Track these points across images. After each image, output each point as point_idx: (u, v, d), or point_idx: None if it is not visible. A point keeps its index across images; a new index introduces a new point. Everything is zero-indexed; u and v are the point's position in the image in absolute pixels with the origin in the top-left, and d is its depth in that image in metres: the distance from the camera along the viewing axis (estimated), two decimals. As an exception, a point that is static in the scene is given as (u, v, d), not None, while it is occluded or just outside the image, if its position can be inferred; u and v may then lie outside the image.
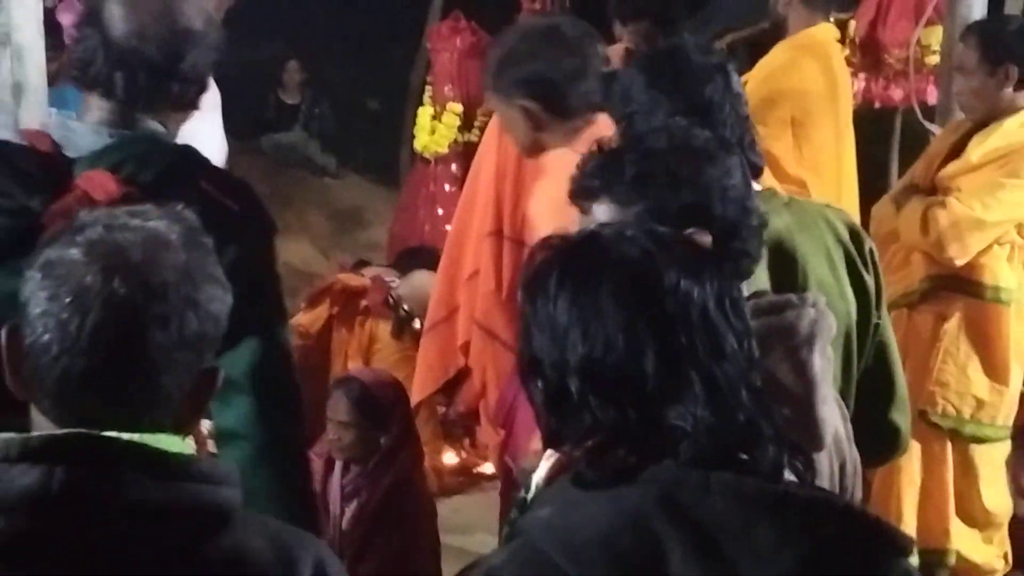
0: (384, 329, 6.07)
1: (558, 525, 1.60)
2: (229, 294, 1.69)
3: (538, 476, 1.85)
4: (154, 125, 2.77)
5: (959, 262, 4.36)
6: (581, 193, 2.33)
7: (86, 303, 1.56)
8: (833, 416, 2.30)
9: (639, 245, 1.70)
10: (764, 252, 2.64)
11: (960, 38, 4.68)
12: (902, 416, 3.07)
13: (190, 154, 2.79)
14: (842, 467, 2.50)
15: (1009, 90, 4.42)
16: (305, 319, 6.14)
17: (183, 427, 1.67)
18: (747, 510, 1.57)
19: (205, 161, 2.86)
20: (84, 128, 2.75)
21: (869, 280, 2.97)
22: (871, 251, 3.00)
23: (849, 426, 2.49)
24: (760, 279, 2.69)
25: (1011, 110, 4.44)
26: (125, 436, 1.57)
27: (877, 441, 2.98)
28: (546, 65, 3.42)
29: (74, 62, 2.80)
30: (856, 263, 2.96)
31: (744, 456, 1.64)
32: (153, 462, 1.58)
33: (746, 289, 2.36)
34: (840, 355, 2.87)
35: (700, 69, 2.94)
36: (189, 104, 2.87)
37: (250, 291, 2.26)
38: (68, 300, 1.56)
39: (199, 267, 1.64)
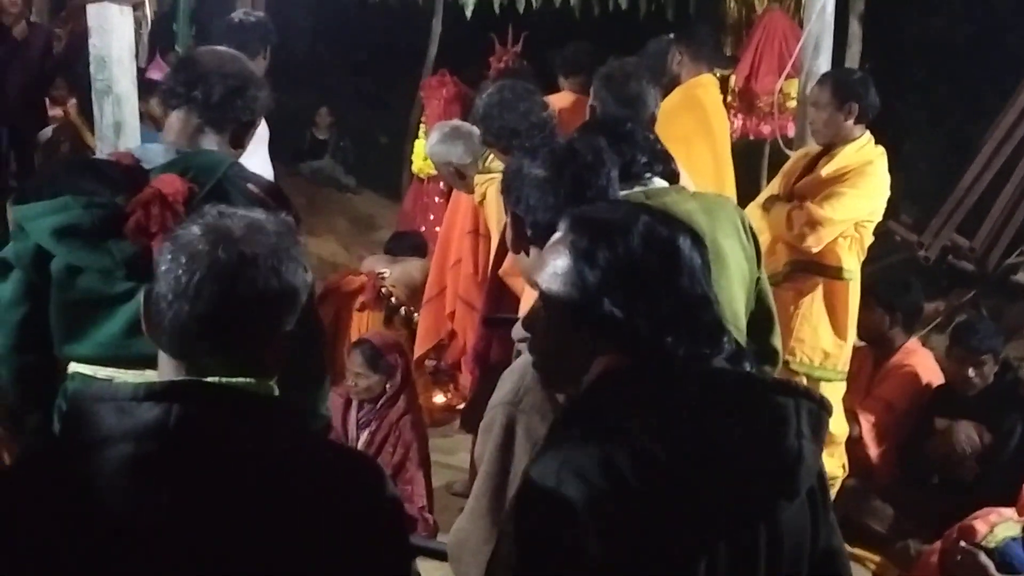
0: (377, 318, 5.97)
1: (625, 406, 1.62)
2: (309, 273, 1.68)
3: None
4: (212, 147, 2.76)
5: (815, 250, 4.35)
6: None
7: (196, 264, 1.57)
8: None
9: (669, 229, 1.74)
10: None
11: (818, 81, 4.66)
12: (778, 340, 3.17)
13: (240, 166, 2.77)
14: None
15: (850, 122, 4.42)
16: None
17: (267, 374, 1.65)
18: (753, 389, 1.67)
19: (251, 173, 2.83)
20: (158, 147, 2.74)
21: (751, 247, 3.06)
22: (751, 227, 3.10)
23: None
24: None
25: (850, 138, 4.44)
26: (224, 380, 1.57)
27: (762, 359, 3.10)
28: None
29: (166, 90, 2.81)
30: (741, 236, 3.05)
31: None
32: (244, 400, 1.58)
33: None
34: (740, 301, 3.02)
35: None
36: (241, 134, 2.84)
37: None
38: (184, 261, 1.57)
39: (285, 247, 1.63)
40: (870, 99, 4.43)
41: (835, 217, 4.32)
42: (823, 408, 1.70)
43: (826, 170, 4.43)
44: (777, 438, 1.61)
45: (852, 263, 4.48)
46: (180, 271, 1.57)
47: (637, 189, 2.89)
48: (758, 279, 3.07)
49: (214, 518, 1.51)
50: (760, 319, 3.07)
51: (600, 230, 1.72)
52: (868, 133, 4.48)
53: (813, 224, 4.30)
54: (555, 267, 1.72)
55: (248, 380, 1.60)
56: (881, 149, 4.49)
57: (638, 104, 3.88)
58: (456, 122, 5.24)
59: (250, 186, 2.69)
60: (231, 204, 2.53)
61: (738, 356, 1.73)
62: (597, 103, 3.91)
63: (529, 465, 1.66)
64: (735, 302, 2.95)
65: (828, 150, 4.50)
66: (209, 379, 1.57)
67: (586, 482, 1.55)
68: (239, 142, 2.83)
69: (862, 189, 4.37)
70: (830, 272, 4.47)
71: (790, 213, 4.38)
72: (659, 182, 2.98)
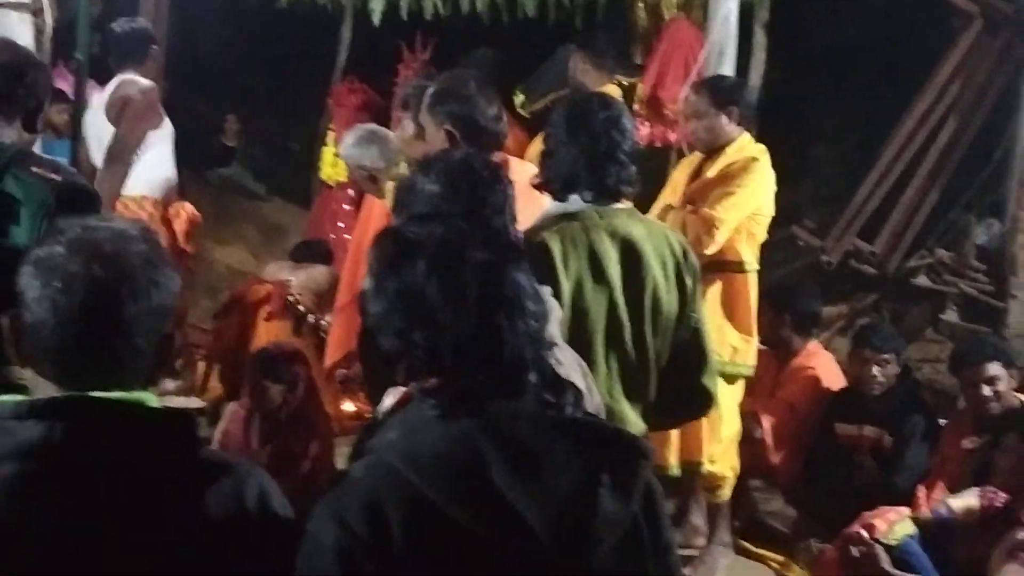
0: (285, 327, 5.87)
1: (404, 445, 1.55)
2: (178, 276, 1.67)
3: (382, 407, 1.77)
4: (5, 138, 2.81)
5: (711, 252, 4.37)
6: None
7: (73, 286, 1.54)
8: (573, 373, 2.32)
9: (487, 249, 1.66)
10: (616, 250, 2.81)
11: (693, 91, 4.75)
12: (712, 381, 3.11)
13: (24, 152, 2.83)
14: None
15: (732, 126, 4.52)
16: (222, 324, 6.00)
17: (152, 381, 1.65)
18: (546, 432, 1.56)
19: (37, 156, 2.91)
20: None
21: (688, 282, 3.02)
22: (693, 262, 3.06)
23: (590, 379, 2.52)
24: (612, 270, 2.83)
25: (730, 140, 4.54)
26: (108, 395, 1.55)
27: (693, 401, 3.11)
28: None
29: None
30: (681, 270, 3.02)
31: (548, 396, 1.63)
32: (130, 414, 1.56)
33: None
34: (663, 333, 2.96)
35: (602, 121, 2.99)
36: (32, 118, 2.89)
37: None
38: (58, 285, 1.54)
39: (156, 254, 1.62)
40: (747, 100, 4.60)
41: (728, 218, 4.39)
42: (639, 453, 1.62)
43: (712, 171, 4.51)
44: (569, 488, 1.52)
45: (750, 255, 4.56)
46: (56, 295, 1.54)
47: (582, 206, 2.90)
48: (691, 316, 3.02)
49: (103, 533, 1.50)
50: (690, 358, 3.03)
51: (394, 252, 1.66)
52: (746, 133, 4.58)
53: (708, 228, 4.36)
54: (363, 287, 1.69)
55: (131, 393, 1.59)
56: (762, 147, 4.59)
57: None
58: (372, 126, 5.22)
59: (35, 168, 2.75)
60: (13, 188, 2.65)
61: (558, 393, 1.64)
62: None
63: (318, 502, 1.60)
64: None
65: (710, 155, 4.59)
66: (93, 393, 1.55)
67: (344, 528, 1.50)
68: (31, 126, 2.90)
69: (750, 186, 4.45)
70: (731, 267, 4.53)
71: (685, 219, 4.44)
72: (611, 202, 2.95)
